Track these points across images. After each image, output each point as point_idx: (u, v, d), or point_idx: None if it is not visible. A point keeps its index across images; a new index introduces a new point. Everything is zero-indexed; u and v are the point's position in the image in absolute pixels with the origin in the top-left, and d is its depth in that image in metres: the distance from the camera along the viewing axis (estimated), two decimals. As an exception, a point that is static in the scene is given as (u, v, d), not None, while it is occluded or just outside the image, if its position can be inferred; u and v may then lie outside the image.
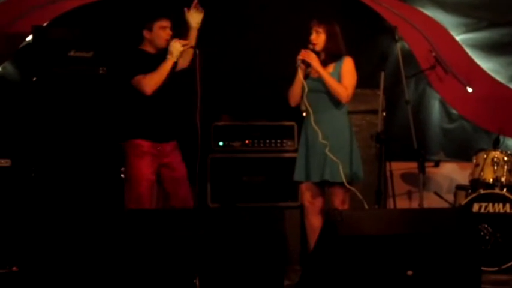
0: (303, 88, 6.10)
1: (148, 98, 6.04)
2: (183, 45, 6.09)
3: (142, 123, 6.10)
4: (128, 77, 6.07)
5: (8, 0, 7.52)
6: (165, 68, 6.06)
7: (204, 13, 6.31)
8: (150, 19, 6.20)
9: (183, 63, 6.32)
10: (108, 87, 6.57)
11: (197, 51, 6.20)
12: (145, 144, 6.06)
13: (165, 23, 6.19)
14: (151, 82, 6.02)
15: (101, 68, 6.61)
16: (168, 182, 6.20)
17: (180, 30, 6.26)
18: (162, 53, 6.13)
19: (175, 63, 6.12)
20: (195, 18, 6.21)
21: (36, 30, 6.74)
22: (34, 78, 6.60)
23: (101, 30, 7.04)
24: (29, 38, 7.10)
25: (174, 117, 6.24)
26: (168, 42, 6.12)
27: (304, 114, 6.26)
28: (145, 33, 6.20)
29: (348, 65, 6.14)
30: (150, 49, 6.21)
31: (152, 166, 6.09)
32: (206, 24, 6.30)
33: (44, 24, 7.37)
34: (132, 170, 6.10)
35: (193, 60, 6.28)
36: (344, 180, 5.96)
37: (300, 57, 6.08)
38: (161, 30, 6.16)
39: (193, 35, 6.21)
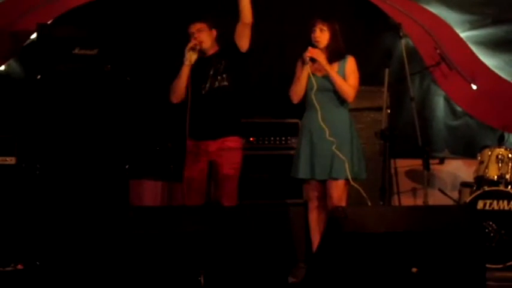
0: (311, 85, 6.10)
1: (185, 98, 6.18)
2: (189, 49, 6.17)
3: (185, 123, 6.19)
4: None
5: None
6: (181, 75, 6.19)
7: (209, 12, 6.30)
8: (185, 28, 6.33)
9: (210, 48, 6.32)
10: (113, 84, 6.59)
11: (215, 32, 6.31)
12: (189, 144, 6.20)
13: (193, 27, 6.26)
14: (171, 92, 6.26)
15: (105, 66, 6.62)
16: (214, 180, 6.35)
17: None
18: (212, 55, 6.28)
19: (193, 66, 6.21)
20: (190, 56, 6.20)
21: (40, 28, 6.75)
22: (39, 76, 6.60)
23: (105, 28, 7.06)
24: (34, 35, 7.11)
25: (216, 114, 6.22)
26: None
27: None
28: None
29: (352, 65, 6.17)
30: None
31: (194, 165, 6.20)
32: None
33: (49, 22, 7.38)
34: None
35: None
36: (350, 178, 5.97)
37: (308, 54, 6.09)
38: (190, 36, 6.25)
39: (185, 72, 6.21)
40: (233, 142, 6.24)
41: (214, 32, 6.31)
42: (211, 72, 6.20)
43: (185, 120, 6.17)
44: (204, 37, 6.23)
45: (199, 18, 6.30)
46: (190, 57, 6.17)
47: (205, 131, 6.19)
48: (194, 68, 6.20)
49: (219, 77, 6.19)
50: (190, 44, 6.18)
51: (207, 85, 6.19)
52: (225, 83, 6.19)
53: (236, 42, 6.19)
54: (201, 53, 6.25)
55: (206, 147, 6.18)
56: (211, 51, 6.29)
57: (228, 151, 6.21)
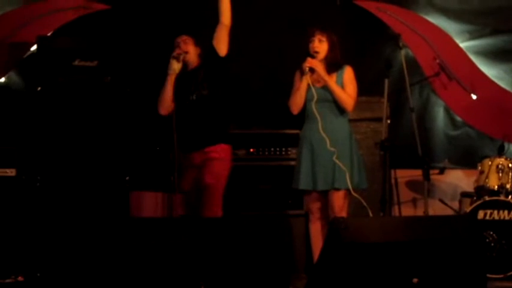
0: (310, 95, 6.10)
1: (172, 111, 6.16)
2: (173, 58, 6.16)
3: (174, 136, 6.14)
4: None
5: (12, 10, 7.55)
6: (166, 86, 6.18)
7: (208, 22, 6.29)
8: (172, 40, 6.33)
9: (194, 62, 6.31)
10: (112, 95, 6.59)
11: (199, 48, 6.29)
12: (181, 156, 6.19)
13: (178, 39, 6.27)
14: (158, 103, 6.24)
15: (105, 77, 6.63)
16: (194, 192, 6.21)
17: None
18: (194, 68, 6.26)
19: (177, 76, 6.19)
20: (173, 64, 6.18)
21: (40, 40, 6.76)
22: (39, 88, 6.61)
23: (105, 40, 7.06)
24: (34, 47, 7.12)
25: (200, 124, 6.19)
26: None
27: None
28: None
29: (349, 74, 6.17)
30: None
31: (186, 177, 6.20)
32: (209, 33, 6.30)
33: (49, 34, 7.40)
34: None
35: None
36: (350, 188, 5.97)
37: (307, 64, 6.09)
38: (176, 47, 6.24)
39: (169, 82, 6.19)
40: (218, 152, 6.18)
41: (199, 49, 6.30)
42: (193, 84, 6.19)
43: (172, 133, 6.15)
44: (189, 48, 6.24)
45: (187, 32, 6.32)
46: (173, 65, 6.15)
47: (189, 143, 6.18)
48: (178, 81, 6.19)
49: (199, 87, 6.17)
50: (174, 53, 6.18)
51: (190, 97, 6.17)
52: (205, 92, 6.17)
53: (215, 46, 6.19)
54: (185, 65, 6.23)
55: (192, 160, 6.18)
56: (194, 65, 6.28)
57: (211, 161, 6.15)
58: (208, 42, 6.22)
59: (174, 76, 6.17)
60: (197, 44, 6.29)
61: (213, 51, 6.18)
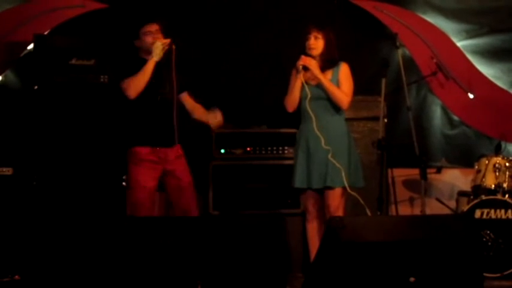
0: (305, 93, 6.10)
1: (140, 102, 5.97)
2: (163, 44, 5.99)
3: (139, 129, 6.02)
4: (118, 83, 6.01)
5: (9, 8, 7.55)
6: (147, 68, 5.95)
7: (206, 21, 6.27)
8: (136, 27, 6.14)
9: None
10: (109, 95, 6.58)
11: (173, 47, 6.05)
12: (142, 152, 5.98)
13: (149, 27, 6.09)
14: (131, 84, 5.93)
15: (102, 76, 6.62)
16: (171, 190, 6.11)
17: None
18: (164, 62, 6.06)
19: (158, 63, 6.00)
20: (160, 52, 5.98)
21: (37, 39, 6.75)
22: (36, 87, 6.61)
23: (102, 38, 7.06)
24: (31, 46, 7.11)
25: (173, 120, 6.09)
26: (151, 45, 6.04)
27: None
28: (136, 42, 6.14)
29: (345, 71, 6.15)
30: (146, 56, 6.07)
31: (150, 173, 5.99)
32: (206, 33, 6.30)
33: (46, 33, 7.39)
34: (129, 178, 6.04)
35: (168, 55, 6.09)
36: (347, 186, 5.97)
37: (300, 62, 6.09)
38: (146, 36, 6.07)
39: (150, 67, 5.97)
40: (181, 150, 6.17)
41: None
42: (164, 78, 6.08)
43: (137, 124, 6.04)
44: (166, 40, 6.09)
45: (155, 20, 6.17)
46: (161, 52, 5.98)
47: (163, 138, 6.06)
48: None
49: (171, 82, 6.08)
50: (163, 40, 6.01)
51: (162, 90, 6.07)
52: (172, 90, 6.10)
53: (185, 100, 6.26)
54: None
55: (165, 155, 6.05)
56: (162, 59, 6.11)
57: (182, 158, 6.13)
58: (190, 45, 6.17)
59: (154, 64, 5.99)
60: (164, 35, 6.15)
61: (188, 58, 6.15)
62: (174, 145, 6.11)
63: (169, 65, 6.09)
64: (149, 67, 5.96)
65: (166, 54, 6.05)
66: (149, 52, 6.03)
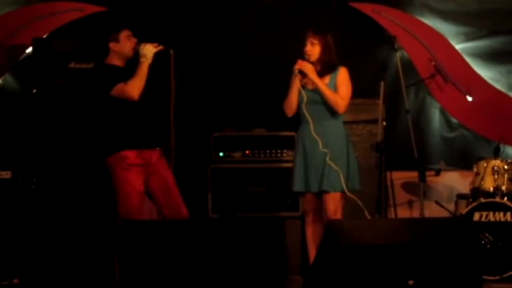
0: (301, 97, 6.10)
1: (126, 106, 5.90)
2: (155, 47, 5.96)
3: (125, 133, 5.94)
4: (104, 92, 5.89)
5: (7, 12, 7.55)
6: (143, 71, 5.91)
7: (205, 25, 6.24)
8: (114, 31, 6.06)
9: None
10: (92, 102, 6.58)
11: (171, 52, 6.02)
12: (130, 155, 5.89)
13: (128, 32, 6.06)
14: (134, 87, 5.86)
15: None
16: (157, 190, 6.00)
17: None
18: (130, 65, 6.00)
19: (150, 66, 5.96)
20: (152, 54, 5.95)
21: (36, 42, 6.76)
22: (34, 90, 6.61)
23: (101, 42, 7.06)
24: (29, 49, 7.12)
25: (155, 122, 6.08)
26: (134, 49, 5.98)
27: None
28: (112, 45, 6.03)
29: (343, 75, 6.15)
30: (118, 62, 6.03)
31: (140, 177, 5.93)
32: (206, 36, 6.29)
33: (44, 36, 7.40)
34: (121, 184, 5.91)
35: (167, 60, 6.06)
36: (345, 189, 5.97)
37: (297, 66, 6.09)
38: (127, 39, 6.03)
39: (146, 69, 5.94)
40: (160, 150, 6.11)
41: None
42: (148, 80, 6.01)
43: (124, 128, 5.97)
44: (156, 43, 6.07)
45: (128, 26, 6.15)
46: (152, 55, 5.96)
47: (146, 140, 6.01)
48: (129, 73, 5.97)
49: (153, 84, 6.04)
50: (154, 44, 5.99)
51: (146, 92, 6.00)
52: (154, 91, 6.06)
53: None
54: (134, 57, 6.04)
55: (150, 157, 5.98)
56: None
57: (162, 159, 6.07)
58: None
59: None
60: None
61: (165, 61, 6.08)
62: (157, 146, 6.07)
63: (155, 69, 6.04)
64: (145, 70, 5.92)
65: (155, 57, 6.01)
66: (125, 56, 6.01)
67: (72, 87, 6.60)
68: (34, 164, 6.54)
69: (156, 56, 5.99)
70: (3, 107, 7.37)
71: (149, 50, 5.95)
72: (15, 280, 6.33)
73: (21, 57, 7.46)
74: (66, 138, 6.55)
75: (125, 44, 6.03)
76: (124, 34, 6.04)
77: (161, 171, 6.02)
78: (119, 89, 5.87)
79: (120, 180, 5.91)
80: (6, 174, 6.51)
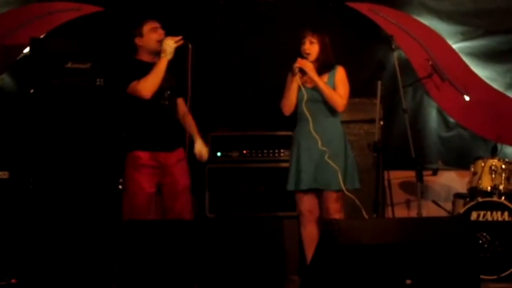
0: (301, 96, 6.10)
1: (143, 106, 5.82)
2: (176, 42, 5.81)
3: (139, 133, 5.89)
4: (123, 87, 5.83)
5: (5, 12, 7.55)
6: (160, 67, 5.79)
7: (201, 25, 6.21)
8: (136, 25, 5.95)
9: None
10: (105, 98, 6.56)
11: (189, 46, 5.86)
12: (143, 156, 5.85)
13: (154, 24, 5.94)
14: (147, 84, 5.75)
15: (98, 80, 6.61)
16: (166, 195, 5.98)
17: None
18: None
19: (170, 62, 5.84)
20: (172, 49, 5.80)
21: (33, 42, 6.75)
22: (31, 90, 6.60)
23: (98, 42, 7.06)
24: (27, 49, 7.11)
25: (174, 124, 6.03)
26: (160, 43, 5.84)
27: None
28: (137, 40, 5.95)
29: (341, 74, 6.17)
30: (145, 57, 5.94)
31: (151, 179, 5.88)
32: (202, 37, 6.27)
33: (41, 36, 7.39)
34: (129, 183, 5.90)
35: (184, 55, 5.90)
36: (344, 188, 5.97)
37: (297, 64, 6.09)
38: (152, 32, 5.91)
39: (164, 65, 5.82)
40: (183, 152, 6.03)
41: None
42: (166, 79, 5.92)
43: (138, 129, 5.93)
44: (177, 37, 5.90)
45: (156, 17, 6.04)
46: (173, 50, 5.82)
47: (163, 142, 5.93)
48: (145, 70, 5.85)
49: (172, 83, 5.97)
50: (175, 38, 5.84)
51: (165, 92, 5.93)
52: (178, 92, 6.02)
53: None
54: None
55: (165, 160, 5.92)
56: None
57: (182, 161, 6.00)
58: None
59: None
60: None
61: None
62: (175, 149, 6.00)
63: (177, 65, 5.91)
64: (162, 66, 5.80)
65: (176, 53, 5.87)
66: (152, 51, 5.91)
67: (69, 87, 6.59)
68: (32, 165, 6.53)
69: (177, 51, 5.85)
70: (1, 107, 7.36)
71: (169, 45, 5.81)
72: (13, 280, 6.32)
73: (19, 57, 7.45)
74: (61, 138, 6.54)
75: (149, 37, 5.93)
76: (147, 27, 5.94)
77: (175, 175, 5.96)
78: (132, 86, 5.81)
79: (128, 179, 5.91)
80: (4, 175, 6.51)
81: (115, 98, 6.04)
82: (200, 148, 6.06)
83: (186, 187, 6.02)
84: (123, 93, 5.86)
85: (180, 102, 6.15)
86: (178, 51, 5.89)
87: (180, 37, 5.86)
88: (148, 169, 5.88)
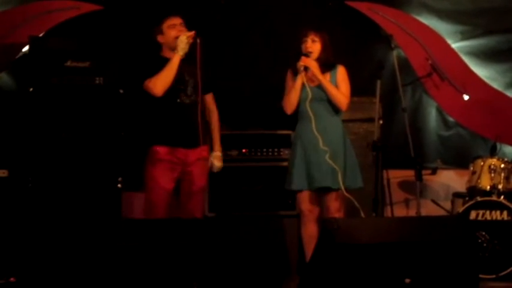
0: (305, 94, 6.11)
1: (162, 101, 5.81)
2: (187, 37, 5.78)
3: (158, 128, 5.89)
4: (137, 84, 5.85)
5: (4, 10, 7.54)
6: (172, 64, 5.77)
7: (201, 24, 6.19)
8: (157, 23, 5.95)
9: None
10: (105, 96, 6.56)
11: (198, 40, 5.85)
12: (161, 151, 5.84)
13: (174, 20, 5.93)
14: (158, 81, 5.75)
15: (97, 78, 6.61)
16: (183, 191, 5.98)
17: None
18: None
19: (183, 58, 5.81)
20: (185, 45, 5.78)
21: (32, 40, 6.74)
22: (31, 89, 6.60)
23: (97, 40, 7.05)
24: (26, 48, 7.11)
25: (197, 120, 5.93)
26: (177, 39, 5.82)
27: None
28: (160, 38, 5.95)
29: (342, 73, 6.19)
30: (168, 54, 5.90)
31: (168, 174, 5.87)
32: (203, 35, 6.25)
33: (41, 35, 7.39)
34: (146, 178, 5.91)
35: (194, 49, 5.90)
36: (342, 187, 5.98)
37: (302, 63, 6.09)
38: (170, 29, 5.90)
39: (176, 62, 5.79)
40: (206, 151, 6.05)
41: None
42: (188, 75, 5.92)
43: (155, 124, 5.93)
44: (190, 32, 5.87)
45: (178, 13, 6.03)
46: (186, 47, 5.79)
47: (184, 138, 5.90)
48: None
49: (195, 79, 5.92)
50: (188, 34, 5.80)
51: (187, 89, 5.93)
52: (197, 88, 5.94)
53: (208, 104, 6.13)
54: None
55: (185, 156, 5.91)
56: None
57: (203, 160, 6.00)
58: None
59: (180, 59, 5.80)
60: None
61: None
62: (197, 146, 5.95)
63: (193, 60, 5.91)
64: (175, 63, 5.79)
65: (191, 48, 5.85)
66: (173, 48, 5.87)
67: (69, 86, 6.59)
68: (31, 163, 6.53)
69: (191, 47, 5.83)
70: (0, 106, 7.36)
71: (181, 41, 5.79)
72: (12, 279, 6.32)
73: (18, 56, 7.45)
74: (60, 136, 6.54)
75: (168, 34, 5.94)
76: (166, 24, 5.94)
77: (194, 173, 5.95)
78: (145, 83, 5.81)
79: (146, 174, 5.92)
80: (3, 173, 6.51)
81: (132, 94, 6.04)
82: (212, 161, 6.09)
83: (202, 188, 6.05)
84: (140, 89, 5.86)
85: (208, 98, 6.15)
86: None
87: (193, 32, 5.84)
88: (166, 164, 5.87)
